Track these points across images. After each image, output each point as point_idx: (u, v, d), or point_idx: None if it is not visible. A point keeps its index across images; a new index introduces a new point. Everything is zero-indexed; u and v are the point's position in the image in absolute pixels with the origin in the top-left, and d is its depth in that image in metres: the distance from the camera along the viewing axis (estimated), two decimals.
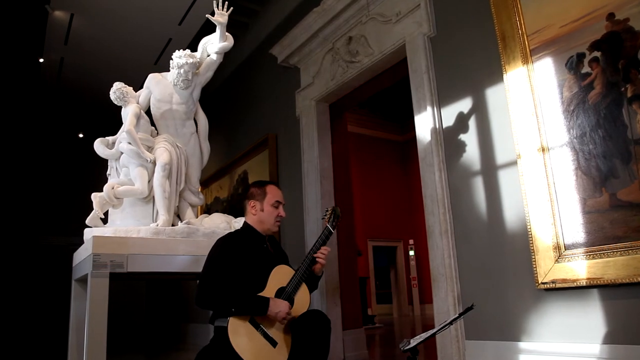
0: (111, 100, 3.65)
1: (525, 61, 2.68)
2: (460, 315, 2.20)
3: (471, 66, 3.09)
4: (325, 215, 2.71)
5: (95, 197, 3.45)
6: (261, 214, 2.65)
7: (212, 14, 3.49)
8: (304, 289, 2.50)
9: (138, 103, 3.65)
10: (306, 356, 2.28)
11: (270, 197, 2.67)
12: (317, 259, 2.59)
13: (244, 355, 2.23)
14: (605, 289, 2.25)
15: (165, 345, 6.90)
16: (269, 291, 2.42)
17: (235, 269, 2.43)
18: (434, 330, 2.17)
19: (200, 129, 3.81)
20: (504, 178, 2.80)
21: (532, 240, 2.54)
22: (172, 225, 3.43)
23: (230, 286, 2.37)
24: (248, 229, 2.69)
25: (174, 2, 5.38)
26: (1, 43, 6.52)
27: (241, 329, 2.30)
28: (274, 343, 2.32)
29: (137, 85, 3.81)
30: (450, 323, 2.17)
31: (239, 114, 6.40)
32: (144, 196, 3.45)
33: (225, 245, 2.56)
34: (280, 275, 2.48)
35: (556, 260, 2.42)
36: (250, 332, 2.31)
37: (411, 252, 11.95)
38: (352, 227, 4.88)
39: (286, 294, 2.43)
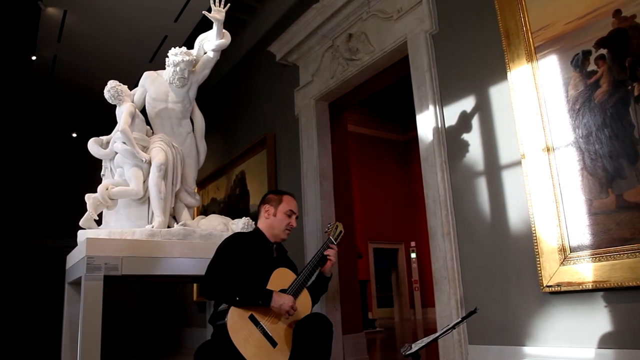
0: (105, 99, 3.64)
1: (530, 59, 2.68)
2: (463, 319, 2.20)
3: (474, 64, 3.09)
4: (329, 229, 2.76)
5: (89, 198, 3.45)
6: (273, 218, 2.71)
7: (209, 10, 3.48)
8: (305, 294, 2.52)
9: (133, 102, 3.64)
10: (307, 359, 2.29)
11: (285, 205, 2.74)
12: (327, 257, 2.65)
13: (244, 352, 2.23)
14: (611, 292, 2.25)
15: (161, 350, 6.89)
16: None
17: (239, 265, 2.48)
18: (436, 335, 2.17)
19: (196, 128, 3.81)
20: (508, 178, 2.80)
21: (536, 242, 2.53)
22: (168, 227, 3.42)
23: (235, 276, 2.42)
24: (258, 234, 2.74)
25: None
26: None
27: (241, 326, 2.31)
28: (274, 343, 2.33)
29: (132, 84, 3.81)
30: (453, 327, 2.16)
31: (236, 113, 6.40)
32: (139, 197, 3.44)
33: (234, 241, 2.64)
34: (281, 278, 2.50)
35: (561, 263, 2.42)
36: (250, 329, 2.32)
37: (413, 255, 11.94)
38: (353, 229, 4.88)
39: None
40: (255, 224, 2.83)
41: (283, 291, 2.44)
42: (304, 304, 2.49)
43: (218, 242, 2.70)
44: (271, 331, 2.34)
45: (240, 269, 2.47)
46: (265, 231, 2.71)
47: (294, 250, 4.51)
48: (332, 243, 2.70)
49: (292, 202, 2.78)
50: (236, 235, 2.74)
